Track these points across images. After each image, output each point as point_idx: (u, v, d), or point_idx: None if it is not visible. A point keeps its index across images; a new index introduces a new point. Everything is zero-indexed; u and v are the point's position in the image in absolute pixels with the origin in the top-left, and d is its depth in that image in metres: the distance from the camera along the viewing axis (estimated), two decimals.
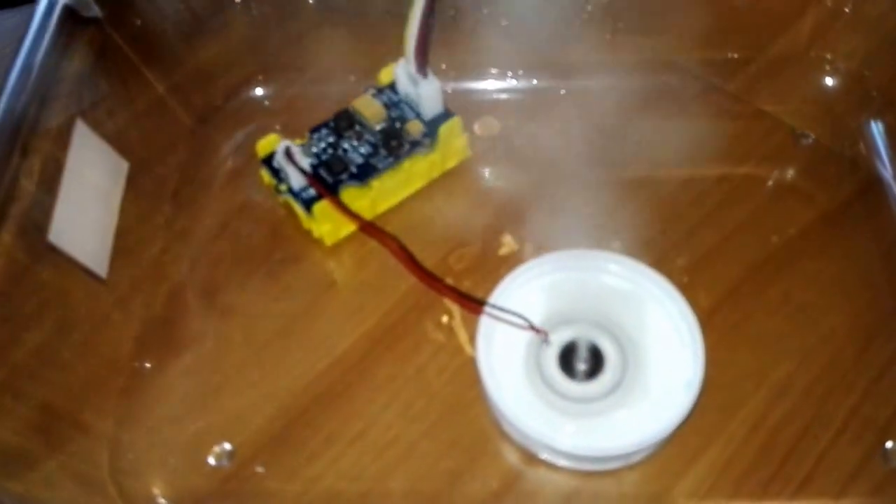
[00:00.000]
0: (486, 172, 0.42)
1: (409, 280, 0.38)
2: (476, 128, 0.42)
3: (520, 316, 0.34)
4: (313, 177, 0.38)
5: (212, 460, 0.35)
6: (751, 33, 0.42)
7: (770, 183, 0.40)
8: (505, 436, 0.34)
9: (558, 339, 0.35)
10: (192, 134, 0.44)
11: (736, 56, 0.43)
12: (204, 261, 0.40)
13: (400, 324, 0.38)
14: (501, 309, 0.34)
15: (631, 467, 0.33)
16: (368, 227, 0.38)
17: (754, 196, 0.40)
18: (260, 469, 0.34)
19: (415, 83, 0.39)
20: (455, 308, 0.37)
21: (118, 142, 0.41)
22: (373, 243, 0.40)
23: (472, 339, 0.36)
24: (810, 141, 0.41)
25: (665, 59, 0.43)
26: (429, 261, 0.38)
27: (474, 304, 0.35)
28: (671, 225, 0.39)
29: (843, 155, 0.41)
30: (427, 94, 0.39)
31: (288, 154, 0.37)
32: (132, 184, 0.41)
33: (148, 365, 0.37)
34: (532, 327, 0.34)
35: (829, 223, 0.39)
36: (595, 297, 0.36)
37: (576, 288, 0.36)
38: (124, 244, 0.40)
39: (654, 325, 0.35)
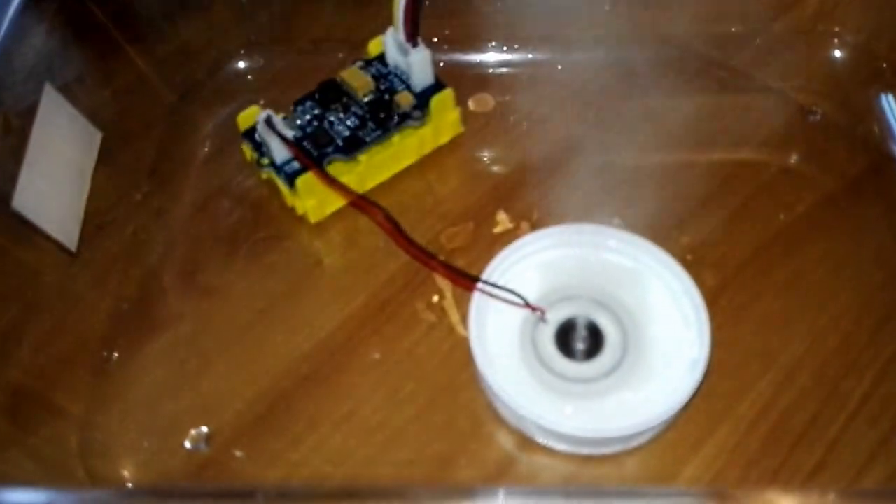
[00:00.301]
0: (480, 149, 0.40)
1: (400, 259, 0.37)
2: (470, 104, 0.41)
3: (514, 293, 0.32)
4: (297, 146, 0.36)
5: (188, 444, 0.33)
6: (755, 6, 0.41)
7: (777, 161, 0.38)
8: (499, 419, 0.32)
9: (555, 317, 0.33)
10: (173, 110, 0.42)
11: (740, 30, 0.41)
12: (182, 239, 0.38)
13: (389, 304, 0.36)
14: (495, 286, 0.32)
15: (632, 452, 0.31)
16: (354, 199, 0.36)
17: (760, 174, 0.38)
18: (239, 453, 0.32)
19: (404, 53, 0.37)
20: (447, 287, 0.36)
21: (96, 117, 0.39)
22: (361, 221, 0.38)
23: (464, 319, 0.34)
24: (818, 117, 0.39)
25: (666, 34, 0.41)
26: (420, 240, 0.36)
27: (466, 281, 0.33)
28: (673, 203, 0.37)
29: (854, 131, 0.39)
30: (417, 63, 0.37)
31: (269, 123, 0.35)
32: (109, 160, 0.39)
33: (122, 346, 0.35)
34: (527, 305, 0.32)
35: (839, 201, 0.37)
36: (594, 274, 0.34)
37: (574, 265, 0.34)
38: (99, 222, 0.38)
39: (657, 303, 0.33)
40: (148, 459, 0.32)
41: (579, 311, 0.33)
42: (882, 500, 0.30)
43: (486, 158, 0.39)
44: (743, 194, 0.38)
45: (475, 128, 0.40)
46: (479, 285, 0.32)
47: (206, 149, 0.41)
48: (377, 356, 0.34)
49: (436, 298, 0.35)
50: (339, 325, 0.35)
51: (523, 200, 0.38)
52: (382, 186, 0.38)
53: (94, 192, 0.38)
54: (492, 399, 0.32)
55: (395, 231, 0.34)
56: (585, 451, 0.31)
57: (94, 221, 0.38)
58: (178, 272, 0.37)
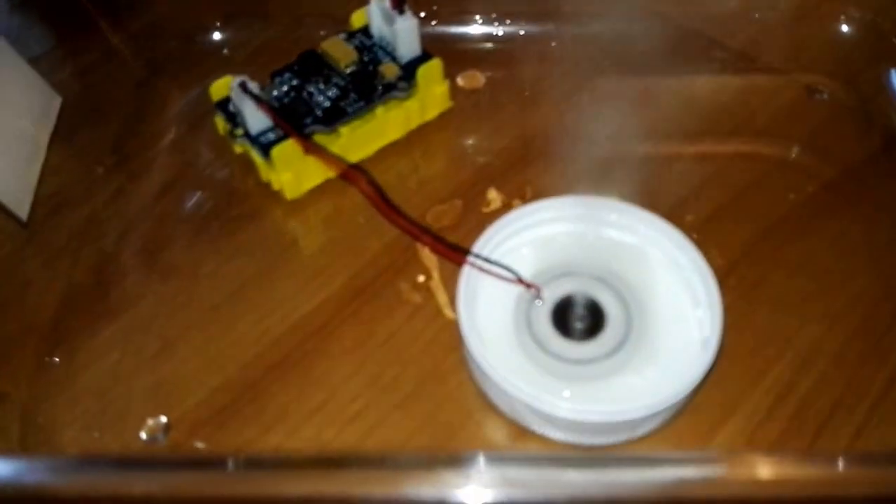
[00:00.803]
0: (470, 126, 0.37)
1: (383, 238, 0.34)
2: (459, 80, 0.38)
3: (507, 268, 0.30)
4: (273, 109, 0.33)
5: (143, 435, 0.29)
6: None
7: (783, 142, 0.36)
8: (490, 407, 0.29)
9: (551, 294, 0.30)
10: (142, 85, 0.39)
11: (740, 9, 0.39)
12: (145, 218, 0.35)
13: (370, 286, 0.33)
14: (487, 259, 0.30)
15: (637, 442, 0.28)
16: (335, 167, 0.33)
17: (766, 155, 0.36)
18: (200, 445, 0.29)
19: (390, 21, 0.35)
20: (434, 266, 0.33)
21: (63, 90, 0.37)
22: (341, 199, 0.35)
23: (452, 301, 0.32)
24: (825, 96, 0.37)
25: (664, 12, 0.39)
26: (402, 230, 0.33)
27: (454, 254, 0.30)
28: (675, 183, 0.35)
29: (862, 109, 0.37)
30: (404, 32, 0.34)
31: (244, 88, 0.32)
32: (70, 137, 0.36)
33: (74, 328, 0.32)
34: (521, 281, 0.30)
35: (849, 181, 0.35)
36: (594, 250, 0.31)
37: (572, 240, 0.31)
38: (56, 200, 0.35)
39: (663, 280, 0.30)
40: (98, 451, 0.29)
41: (578, 287, 0.30)
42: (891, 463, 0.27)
43: (475, 136, 0.37)
44: (748, 175, 0.35)
45: (464, 105, 0.38)
46: (470, 259, 0.30)
47: (176, 126, 0.38)
48: (356, 340, 0.31)
49: (422, 278, 0.33)
50: (314, 307, 0.32)
51: (515, 179, 0.35)
52: (365, 163, 0.35)
53: (52, 169, 0.36)
54: (482, 384, 0.29)
55: (379, 198, 0.31)
56: (586, 440, 0.28)
57: (52, 200, 0.35)
58: (138, 252, 0.34)
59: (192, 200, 0.36)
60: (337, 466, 0.20)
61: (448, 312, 0.32)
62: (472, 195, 0.35)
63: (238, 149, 0.35)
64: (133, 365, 0.31)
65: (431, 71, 0.35)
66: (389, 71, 0.35)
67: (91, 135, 0.37)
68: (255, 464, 0.20)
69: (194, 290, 0.33)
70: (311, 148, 0.33)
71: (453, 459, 0.20)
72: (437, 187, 0.35)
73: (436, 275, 0.33)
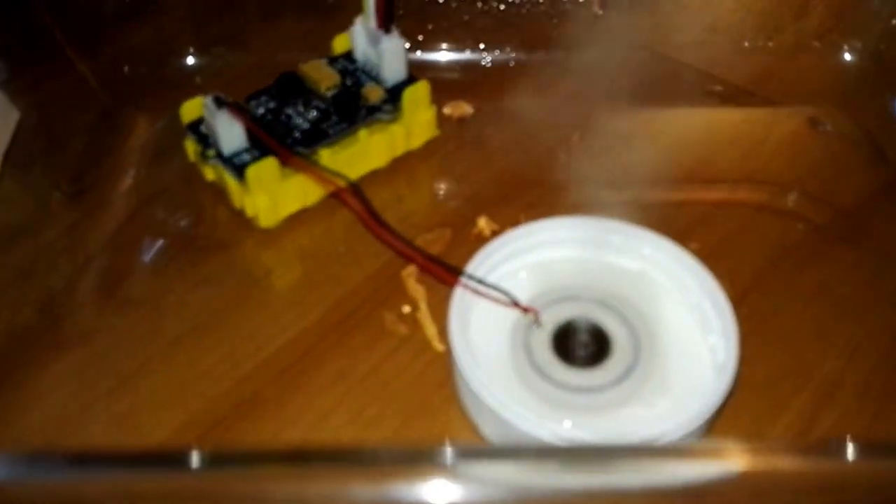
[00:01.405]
0: (457, 156, 0.35)
1: (366, 269, 0.31)
2: (446, 110, 0.36)
3: (503, 291, 0.27)
4: (244, 112, 0.31)
5: None
6: (755, 20, 0.38)
7: (787, 173, 0.35)
8: (483, 441, 0.26)
9: (552, 319, 0.27)
10: (109, 113, 0.37)
11: (742, 42, 0.39)
12: (105, 249, 0.32)
13: (351, 317, 0.30)
14: (481, 281, 0.27)
15: None
16: (319, 177, 0.31)
17: (771, 186, 0.34)
18: None
19: (375, 42, 0.33)
20: (421, 297, 0.30)
21: (23, 116, 0.34)
22: (319, 229, 0.33)
23: (441, 333, 0.29)
24: (828, 128, 0.36)
25: (661, 45, 0.38)
26: (389, 249, 0.31)
27: (446, 274, 0.27)
28: (677, 212, 0.33)
29: (867, 139, 0.35)
30: (390, 52, 0.33)
31: (218, 103, 0.30)
32: (29, 164, 0.34)
33: (19, 365, 0.29)
34: (517, 305, 0.27)
35: (860, 212, 0.33)
36: (596, 273, 0.29)
37: (573, 262, 0.29)
38: (10, 230, 0.32)
39: (671, 304, 0.28)
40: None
41: (580, 312, 0.28)
42: None
43: (464, 165, 0.35)
44: (753, 205, 0.34)
45: (451, 134, 0.36)
46: (463, 281, 0.27)
47: (142, 154, 0.35)
48: (336, 374, 0.28)
49: (407, 309, 0.30)
50: (290, 339, 0.29)
51: (507, 210, 0.33)
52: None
53: (3, 197, 0.33)
54: (475, 417, 0.26)
55: (367, 214, 0.29)
56: None
57: (2, 232, 0.32)
58: (97, 282, 0.31)
59: (156, 231, 0.33)
60: (308, 462, 0.17)
61: (437, 345, 0.29)
62: (462, 224, 0.33)
63: (209, 174, 0.33)
64: (84, 402, 0.28)
65: (418, 93, 0.33)
66: (374, 94, 0.33)
67: (49, 162, 0.35)
68: (221, 460, 0.17)
69: (155, 322, 0.30)
70: (295, 162, 0.30)
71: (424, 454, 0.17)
72: (423, 216, 0.33)
73: (423, 305, 0.30)
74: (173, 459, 0.17)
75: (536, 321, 0.27)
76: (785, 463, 0.18)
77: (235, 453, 0.18)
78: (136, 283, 0.31)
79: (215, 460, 0.17)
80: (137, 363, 0.29)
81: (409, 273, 0.31)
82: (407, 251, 0.29)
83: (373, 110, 0.33)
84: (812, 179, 0.34)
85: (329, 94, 0.33)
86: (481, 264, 0.28)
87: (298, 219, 0.33)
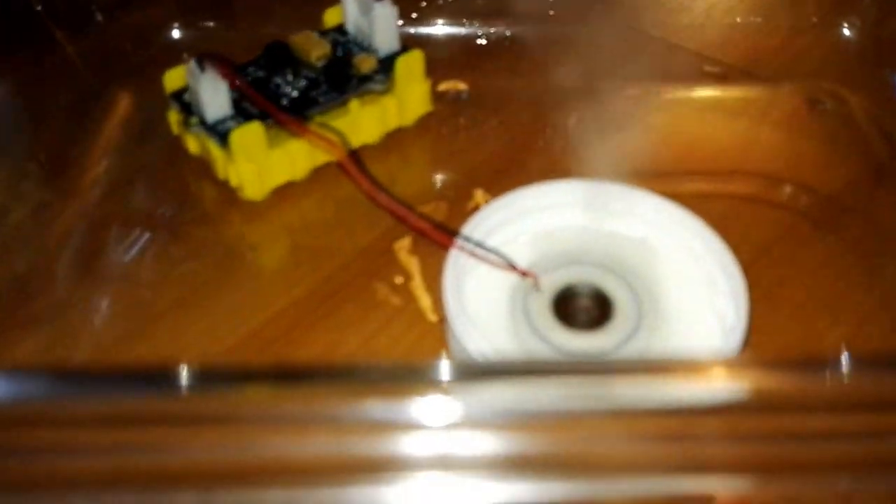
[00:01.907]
0: (452, 133, 0.34)
1: (357, 242, 0.30)
2: (441, 87, 0.35)
3: (499, 254, 0.26)
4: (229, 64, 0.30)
5: None
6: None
7: (787, 153, 0.34)
8: None
9: (552, 284, 0.26)
10: (95, 91, 0.35)
11: (738, 20, 0.38)
12: (80, 225, 0.31)
13: (342, 290, 0.29)
14: (477, 244, 0.26)
15: None
16: (314, 136, 0.30)
17: (772, 163, 0.33)
18: None
19: (366, 10, 0.32)
20: (415, 269, 0.29)
21: (7, 95, 0.33)
22: (307, 202, 0.31)
23: (436, 303, 0.28)
24: (827, 107, 0.35)
25: (657, 25, 0.37)
26: (383, 220, 0.30)
27: (442, 236, 0.26)
28: (677, 190, 0.31)
29: (868, 118, 0.35)
30: (381, 19, 0.32)
31: (201, 64, 0.29)
32: (10, 144, 0.33)
33: None
34: (514, 268, 0.26)
35: (866, 188, 0.32)
36: (597, 238, 0.27)
37: (574, 228, 0.28)
38: None
39: (677, 267, 0.27)
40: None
41: (581, 276, 0.26)
42: None
43: (458, 143, 0.34)
44: (755, 182, 0.32)
45: (445, 112, 0.35)
46: (458, 243, 0.26)
47: (124, 130, 0.34)
48: (325, 348, 0.27)
49: (400, 280, 0.29)
50: (277, 312, 0.28)
51: (504, 183, 0.31)
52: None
53: None
54: None
55: (360, 175, 0.28)
56: None
57: None
58: (72, 257, 0.30)
59: (138, 208, 0.32)
60: (301, 379, 0.16)
61: (431, 316, 0.28)
62: (457, 195, 0.31)
63: (193, 147, 0.32)
64: None
65: (411, 63, 0.32)
66: (365, 63, 0.32)
67: (27, 139, 0.33)
68: (213, 375, 0.15)
69: (133, 297, 0.28)
70: (285, 121, 0.29)
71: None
72: (417, 191, 0.31)
73: (417, 277, 0.29)
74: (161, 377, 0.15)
75: (535, 285, 0.26)
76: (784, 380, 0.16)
77: (225, 372, 0.16)
78: (115, 259, 0.30)
79: (204, 378, 0.15)
80: (113, 341, 0.27)
81: (402, 246, 0.30)
82: (405, 214, 0.28)
83: (364, 80, 0.32)
84: (814, 158, 0.33)
85: (319, 63, 0.32)
86: (478, 226, 0.27)
87: (286, 192, 0.31)
